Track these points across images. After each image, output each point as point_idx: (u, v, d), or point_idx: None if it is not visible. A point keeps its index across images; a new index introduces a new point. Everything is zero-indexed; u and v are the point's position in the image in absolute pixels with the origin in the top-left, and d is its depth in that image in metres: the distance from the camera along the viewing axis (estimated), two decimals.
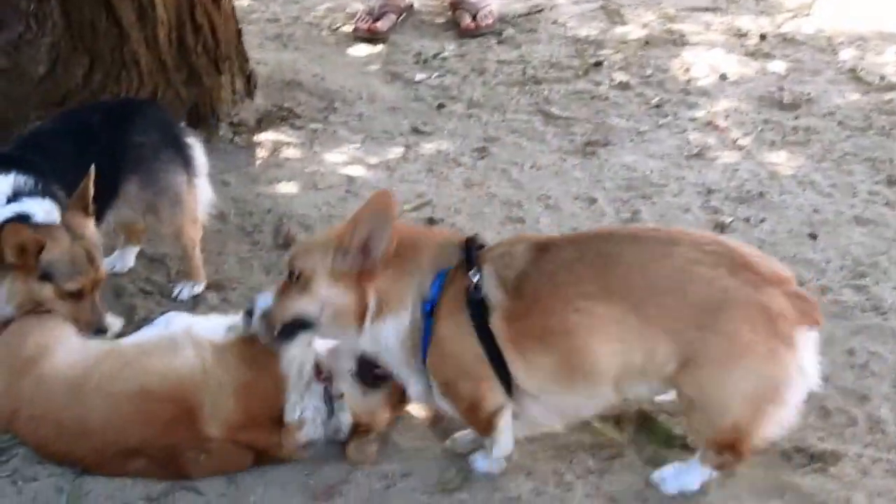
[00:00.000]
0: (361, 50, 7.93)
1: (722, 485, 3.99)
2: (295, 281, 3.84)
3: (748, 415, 3.68)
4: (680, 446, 4.18)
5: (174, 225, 5.16)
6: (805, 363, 3.66)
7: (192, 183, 5.19)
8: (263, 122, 6.82)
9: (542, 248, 3.79)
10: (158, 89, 6.44)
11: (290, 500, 4.05)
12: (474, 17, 8.07)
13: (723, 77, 7.33)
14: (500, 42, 7.98)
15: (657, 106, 7.03)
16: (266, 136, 6.67)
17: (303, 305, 3.84)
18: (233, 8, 6.77)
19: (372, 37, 7.98)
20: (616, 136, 6.67)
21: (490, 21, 8.07)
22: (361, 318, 3.81)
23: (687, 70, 7.44)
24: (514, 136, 6.72)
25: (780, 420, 3.74)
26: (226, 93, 6.74)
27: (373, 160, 6.41)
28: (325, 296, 3.80)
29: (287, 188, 6.10)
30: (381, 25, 8.02)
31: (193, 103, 6.56)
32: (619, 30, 8.09)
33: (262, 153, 6.50)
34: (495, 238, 5.37)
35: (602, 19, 8.27)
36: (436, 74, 7.52)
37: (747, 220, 5.73)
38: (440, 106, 7.10)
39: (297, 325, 3.89)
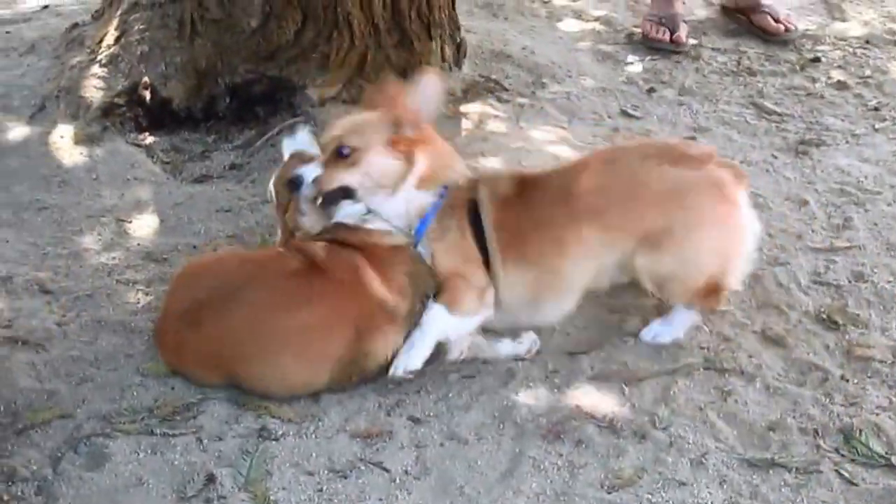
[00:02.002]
0: (572, 25, 7.83)
1: None
2: (344, 156, 4.41)
3: (718, 269, 4.49)
4: (883, 466, 4.07)
5: None
6: (748, 218, 4.55)
7: None
8: (470, 93, 6.75)
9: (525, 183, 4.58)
10: (369, 51, 6.47)
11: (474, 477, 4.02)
12: (777, 20, 7.65)
13: None
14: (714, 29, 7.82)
15: (875, 109, 6.82)
16: (472, 108, 6.61)
17: (350, 177, 4.42)
18: None
19: (675, 48, 7.51)
20: (830, 136, 6.48)
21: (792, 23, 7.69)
22: (402, 181, 4.46)
23: None
24: (724, 127, 6.59)
25: (742, 268, 4.61)
26: (435, 59, 6.70)
27: (579, 142, 6.30)
28: (376, 164, 4.42)
29: (492, 162, 6.00)
30: (682, 36, 7.56)
31: (403, 68, 6.53)
32: (838, 25, 7.87)
33: (467, 124, 6.44)
34: None
35: (822, 13, 8.06)
36: (648, 57, 7.40)
37: None
38: (650, 90, 6.99)
39: (341, 194, 4.47)
